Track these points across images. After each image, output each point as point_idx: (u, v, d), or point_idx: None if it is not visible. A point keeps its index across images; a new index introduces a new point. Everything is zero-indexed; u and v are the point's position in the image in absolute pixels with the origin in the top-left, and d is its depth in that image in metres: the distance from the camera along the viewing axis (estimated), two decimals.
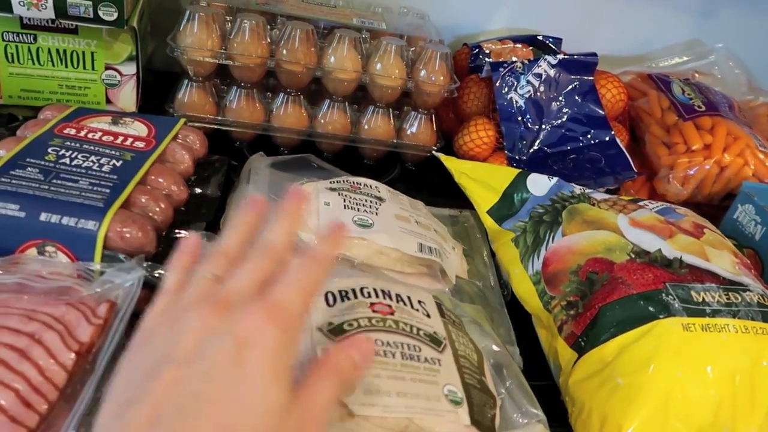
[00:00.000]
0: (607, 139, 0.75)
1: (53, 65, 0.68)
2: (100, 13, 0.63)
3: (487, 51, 0.83)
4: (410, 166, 0.80)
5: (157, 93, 0.74)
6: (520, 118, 0.74)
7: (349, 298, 0.41)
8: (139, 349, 0.29)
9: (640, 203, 0.58)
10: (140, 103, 0.74)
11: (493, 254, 0.62)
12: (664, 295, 0.44)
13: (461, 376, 0.39)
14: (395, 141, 0.76)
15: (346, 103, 0.74)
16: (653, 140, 0.77)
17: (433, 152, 0.73)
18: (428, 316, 0.42)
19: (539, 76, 0.74)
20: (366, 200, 0.55)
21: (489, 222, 0.62)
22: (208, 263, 0.32)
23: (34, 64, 0.67)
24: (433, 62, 0.72)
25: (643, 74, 0.84)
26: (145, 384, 0.27)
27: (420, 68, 0.72)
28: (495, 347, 0.47)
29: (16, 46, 0.66)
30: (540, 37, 0.87)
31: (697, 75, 0.88)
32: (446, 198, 0.69)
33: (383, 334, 0.38)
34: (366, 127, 0.75)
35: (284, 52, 0.69)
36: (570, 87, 0.75)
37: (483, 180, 0.64)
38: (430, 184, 0.79)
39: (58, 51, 0.67)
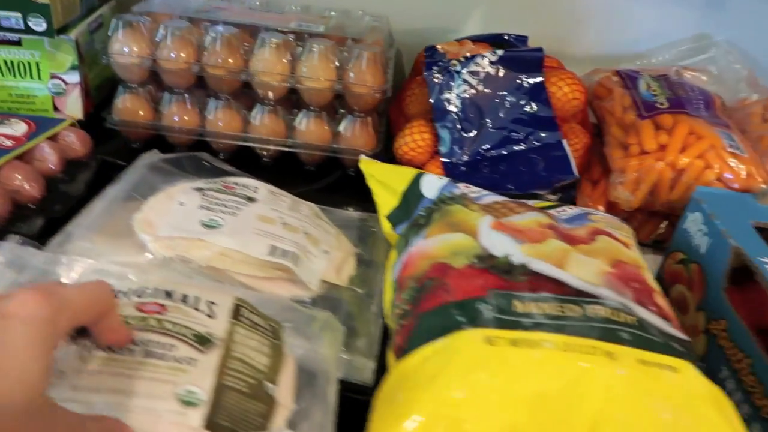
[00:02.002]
0: (554, 141, 0.68)
1: (2, 75, 0.72)
2: (30, 23, 0.67)
3: (443, 52, 0.79)
4: (351, 172, 0.77)
5: None
6: (456, 120, 0.69)
7: (117, 297, 0.39)
8: None
9: (531, 205, 0.52)
10: (89, 110, 0.77)
11: None
12: (480, 303, 0.38)
13: (219, 378, 0.36)
14: (330, 145, 0.73)
15: (278, 107, 0.73)
16: (613, 142, 0.69)
17: (362, 156, 0.69)
18: (211, 317, 0.40)
19: (476, 74, 0.69)
20: (232, 201, 0.53)
21: (387, 227, 0.58)
22: None
23: None
24: (361, 63, 0.69)
25: (614, 71, 0.76)
26: None
27: (349, 70, 0.70)
28: (319, 356, 0.43)
29: None
30: (506, 36, 0.82)
31: (685, 71, 0.78)
32: None
33: (136, 333, 0.36)
34: (299, 131, 0.73)
35: (210, 56, 0.69)
36: (515, 85, 0.69)
37: (386, 182, 0.60)
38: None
39: (6, 62, 0.72)
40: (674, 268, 0.61)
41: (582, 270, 0.42)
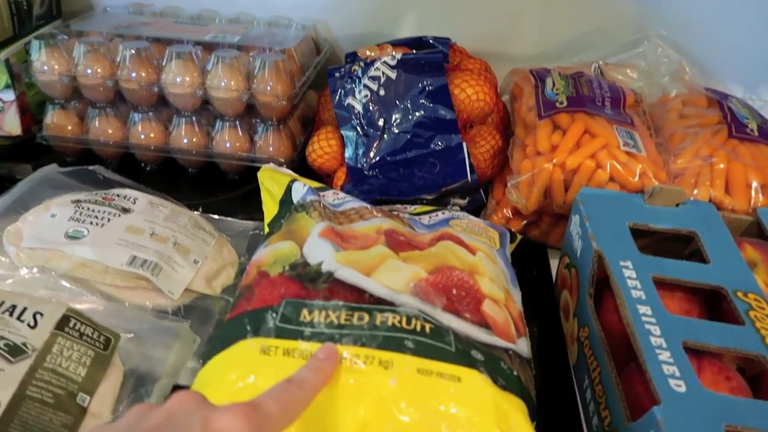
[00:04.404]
0: (454, 144, 0.67)
1: None
2: None
3: (362, 57, 0.79)
4: None
5: None
6: (358, 126, 0.70)
7: None
8: None
9: (390, 211, 0.52)
10: (30, 127, 0.81)
11: None
12: (270, 313, 0.39)
13: (22, 389, 0.38)
14: (246, 154, 0.75)
15: (195, 118, 0.75)
16: (517, 143, 0.68)
17: (264, 166, 0.70)
18: (32, 327, 0.42)
19: (376, 78, 0.69)
20: (104, 212, 0.55)
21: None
22: None
23: None
24: (265, 72, 0.71)
25: (529, 70, 0.74)
26: None
27: (255, 79, 0.71)
28: (157, 365, 0.45)
29: None
30: (427, 38, 0.81)
31: (609, 67, 0.76)
32: None
33: None
34: (216, 141, 0.75)
35: (122, 71, 0.72)
36: (417, 88, 0.69)
37: (271, 190, 0.61)
38: None
39: None
40: (563, 273, 0.60)
41: (390, 277, 0.42)
